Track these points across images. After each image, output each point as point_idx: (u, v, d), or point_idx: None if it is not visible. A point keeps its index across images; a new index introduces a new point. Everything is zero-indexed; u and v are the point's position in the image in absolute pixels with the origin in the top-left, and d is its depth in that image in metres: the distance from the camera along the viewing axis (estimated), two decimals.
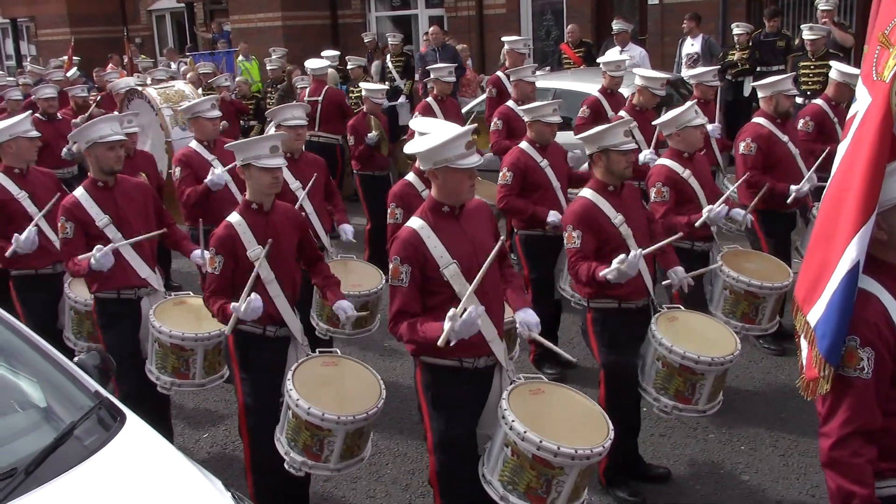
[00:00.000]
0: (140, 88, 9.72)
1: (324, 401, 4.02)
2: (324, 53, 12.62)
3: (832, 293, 2.66)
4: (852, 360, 2.64)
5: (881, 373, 2.64)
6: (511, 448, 3.60)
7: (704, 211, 5.48)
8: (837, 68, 7.20)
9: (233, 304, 4.23)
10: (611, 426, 3.73)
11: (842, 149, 2.81)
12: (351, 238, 6.31)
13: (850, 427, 2.64)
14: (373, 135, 8.67)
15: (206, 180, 6.13)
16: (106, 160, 5.09)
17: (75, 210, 5.05)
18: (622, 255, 4.36)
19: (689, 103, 5.94)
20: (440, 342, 3.59)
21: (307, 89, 10.82)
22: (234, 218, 4.44)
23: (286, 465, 4.13)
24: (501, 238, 4.00)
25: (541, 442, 3.50)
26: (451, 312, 3.57)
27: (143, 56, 18.21)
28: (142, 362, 5.07)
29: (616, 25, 11.88)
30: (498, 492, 3.65)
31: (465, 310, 3.58)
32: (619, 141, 4.58)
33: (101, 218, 5.06)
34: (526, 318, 4.04)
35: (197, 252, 5.40)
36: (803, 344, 2.81)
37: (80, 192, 5.13)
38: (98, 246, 4.91)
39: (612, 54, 11.52)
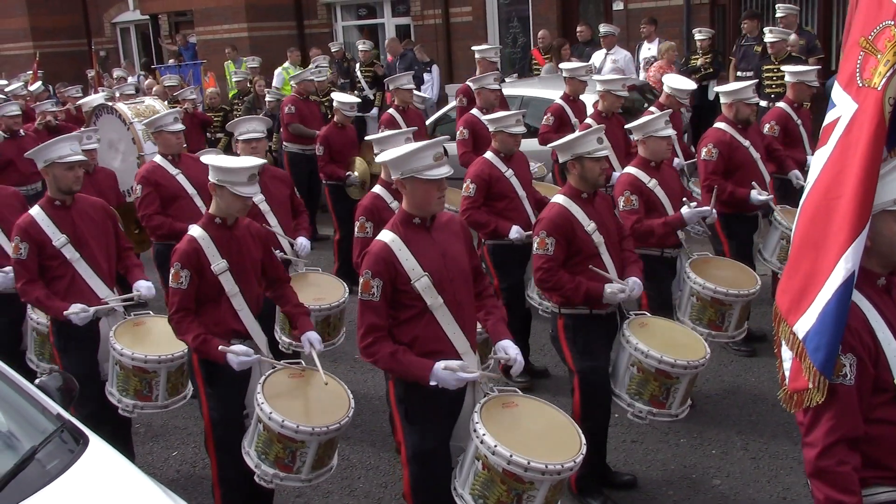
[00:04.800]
0: (110, 104, 9.65)
1: (295, 413, 4.00)
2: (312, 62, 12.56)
3: (825, 304, 2.59)
4: (835, 367, 2.60)
5: (863, 379, 2.62)
6: (482, 462, 3.58)
7: (684, 209, 5.51)
8: (790, 70, 7.35)
9: (221, 346, 4.19)
10: (583, 440, 3.71)
11: (823, 155, 2.74)
12: (306, 251, 6.19)
13: (834, 435, 2.61)
14: (354, 177, 8.58)
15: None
16: (64, 180, 5.01)
17: (31, 230, 4.95)
18: (622, 286, 4.58)
19: (663, 112, 5.98)
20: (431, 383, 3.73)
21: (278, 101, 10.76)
22: (196, 231, 4.37)
23: (256, 478, 4.10)
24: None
25: (511, 456, 3.48)
26: (456, 363, 3.73)
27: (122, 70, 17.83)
28: (100, 385, 4.99)
29: (603, 28, 12.00)
30: None
31: (464, 368, 3.72)
32: (593, 148, 4.60)
33: (57, 237, 4.97)
34: (506, 347, 4.02)
35: (143, 283, 5.24)
36: (787, 354, 2.74)
37: (35, 211, 5.02)
38: (82, 306, 4.88)
39: (598, 57, 11.62)
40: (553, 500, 3.65)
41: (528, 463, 3.47)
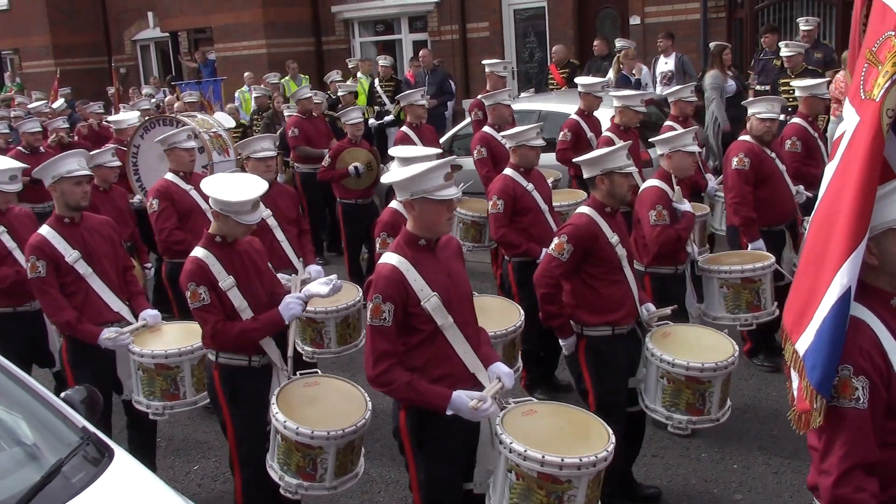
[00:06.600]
0: (172, 115, 9.83)
1: (311, 420, 3.98)
2: (327, 77, 12.64)
3: (821, 321, 2.53)
4: (847, 390, 2.53)
5: (875, 403, 2.54)
6: (514, 472, 3.51)
7: (678, 206, 5.55)
8: (798, 85, 7.37)
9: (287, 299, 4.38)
10: (610, 431, 3.65)
11: (830, 170, 2.71)
12: (321, 275, 6.18)
13: (849, 461, 2.53)
14: (358, 166, 8.60)
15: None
16: (73, 195, 5.09)
17: (44, 247, 5.01)
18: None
19: (689, 129, 6.00)
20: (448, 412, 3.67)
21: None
22: (199, 252, 4.37)
23: (282, 490, 4.08)
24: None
25: (543, 457, 3.41)
26: (477, 400, 3.63)
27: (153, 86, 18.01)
28: (109, 404, 5.04)
29: (619, 43, 12.01)
30: None
31: (485, 400, 3.66)
32: (623, 163, 4.60)
33: (69, 253, 5.03)
34: (499, 371, 3.95)
35: (150, 312, 5.22)
36: (793, 374, 2.69)
37: (45, 230, 5.08)
38: (116, 329, 4.94)
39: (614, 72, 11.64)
40: (594, 497, 3.56)
41: (563, 460, 3.40)
